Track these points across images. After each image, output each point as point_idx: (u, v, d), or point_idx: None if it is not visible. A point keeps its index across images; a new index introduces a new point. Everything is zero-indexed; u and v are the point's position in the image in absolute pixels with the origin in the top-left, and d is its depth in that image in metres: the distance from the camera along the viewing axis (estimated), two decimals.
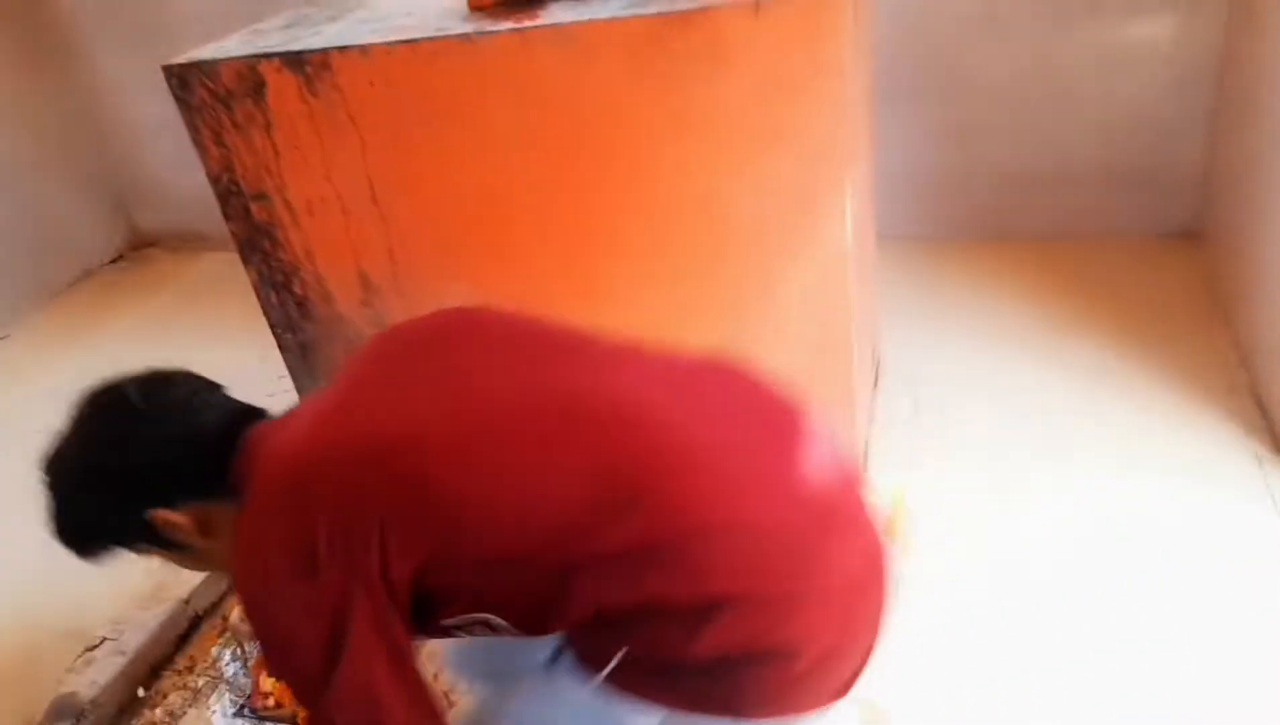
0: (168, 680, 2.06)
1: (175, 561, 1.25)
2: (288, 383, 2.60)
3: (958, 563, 2.00)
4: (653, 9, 1.73)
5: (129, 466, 1.13)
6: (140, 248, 4.20)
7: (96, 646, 2.08)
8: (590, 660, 1.10)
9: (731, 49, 1.71)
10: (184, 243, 4.12)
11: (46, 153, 3.79)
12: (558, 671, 1.14)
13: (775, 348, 2.03)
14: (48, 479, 1.17)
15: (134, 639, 2.08)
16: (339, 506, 1.03)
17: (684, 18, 1.70)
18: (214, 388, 1.23)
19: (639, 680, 1.09)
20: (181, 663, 2.10)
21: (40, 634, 2.14)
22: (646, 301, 2.08)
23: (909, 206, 3.14)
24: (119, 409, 1.15)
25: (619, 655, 1.07)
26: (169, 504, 1.13)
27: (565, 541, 1.03)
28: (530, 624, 1.11)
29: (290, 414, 1.22)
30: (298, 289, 2.35)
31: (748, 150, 1.83)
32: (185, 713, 1.97)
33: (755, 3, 1.66)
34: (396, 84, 1.94)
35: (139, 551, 1.21)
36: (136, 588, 2.20)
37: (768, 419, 1.16)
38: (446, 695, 1.74)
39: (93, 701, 1.95)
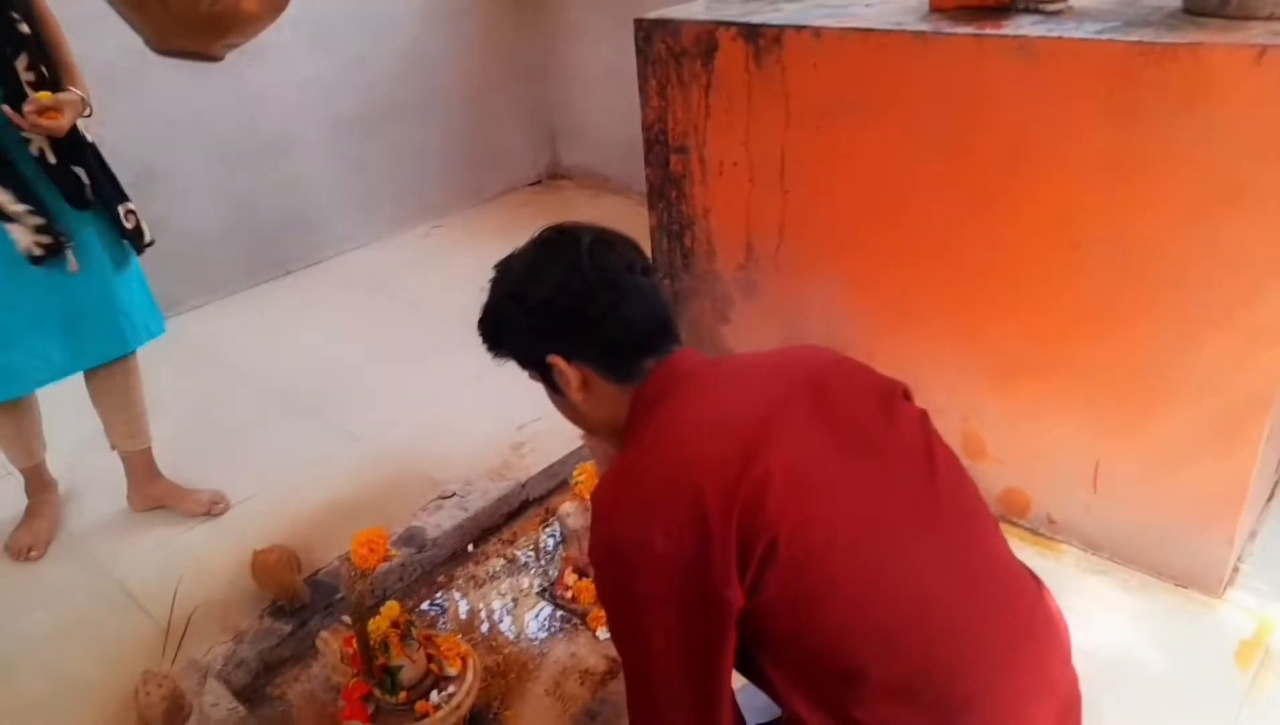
0: (493, 545, 2.35)
1: (551, 399, 1.33)
2: None
3: None
4: (1133, 36, 1.63)
5: (548, 306, 1.19)
6: (556, 177, 4.77)
7: (447, 497, 2.42)
8: None
9: (1217, 93, 1.56)
10: (591, 181, 4.61)
11: (505, 81, 4.39)
12: None
13: (1169, 417, 1.85)
14: (493, 276, 1.26)
15: (475, 502, 2.39)
16: (725, 524, 1.01)
17: (1168, 51, 1.58)
18: (649, 270, 1.24)
19: None
20: (507, 534, 2.38)
21: (409, 475, 2.53)
22: (1027, 340, 1.98)
23: None
24: (565, 252, 1.20)
25: None
26: (567, 355, 1.20)
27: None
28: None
29: (716, 368, 1.21)
30: (688, 241, 2.52)
31: (1198, 203, 1.66)
32: (500, 576, 2.24)
33: (1261, 49, 1.50)
34: (838, 69, 2.01)
35: (529, 374, 1.29)
36: (488, 462, 2.52)
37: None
38: None
39: (433, 540, 2.28)
